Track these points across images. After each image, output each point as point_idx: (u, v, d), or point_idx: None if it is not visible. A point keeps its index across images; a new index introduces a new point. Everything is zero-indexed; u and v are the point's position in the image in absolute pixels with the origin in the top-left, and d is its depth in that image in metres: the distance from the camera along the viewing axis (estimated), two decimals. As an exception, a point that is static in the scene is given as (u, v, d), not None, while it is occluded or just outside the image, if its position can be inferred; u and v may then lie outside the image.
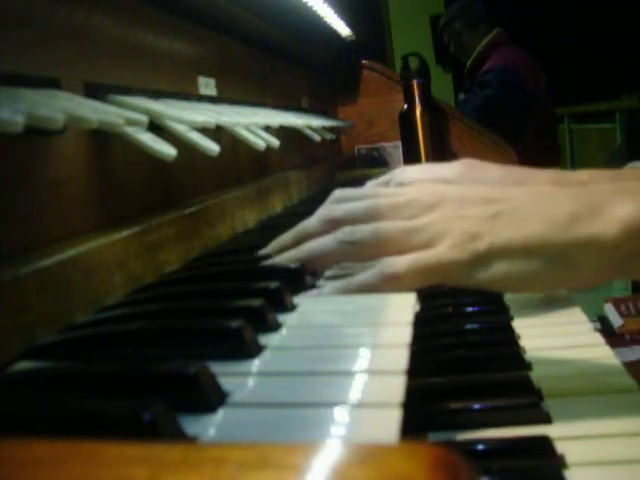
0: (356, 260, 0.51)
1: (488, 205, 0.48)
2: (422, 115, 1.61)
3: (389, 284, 0.46)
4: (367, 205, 0.52)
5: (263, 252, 0.56)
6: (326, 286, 0.49)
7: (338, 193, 0.55)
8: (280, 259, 0.53)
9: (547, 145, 2.55)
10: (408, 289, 0.45)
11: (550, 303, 0.57)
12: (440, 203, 0.49)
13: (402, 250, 0.47)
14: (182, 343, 0.36)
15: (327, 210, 0.53)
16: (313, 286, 0.51)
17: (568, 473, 0.35)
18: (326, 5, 1.20)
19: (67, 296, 0.43)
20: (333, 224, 0.52)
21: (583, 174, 0.54)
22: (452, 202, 0.49)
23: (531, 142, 2.35)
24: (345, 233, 0.50)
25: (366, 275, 0.47)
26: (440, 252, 0.46)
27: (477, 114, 2.14)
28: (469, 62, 2.64)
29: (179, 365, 0.29)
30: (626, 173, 0.50)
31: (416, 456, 0.20)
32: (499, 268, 0.45)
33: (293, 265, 0.50)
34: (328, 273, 0.55)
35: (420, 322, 0.45)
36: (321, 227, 0.52)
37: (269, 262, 0.53)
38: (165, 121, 0.59)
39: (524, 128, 2.38)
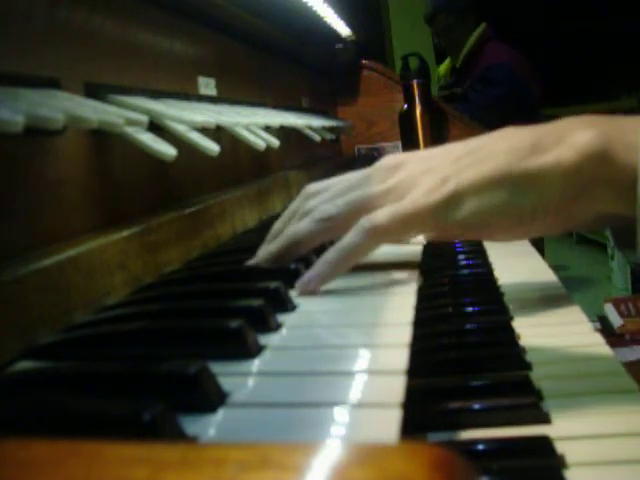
0: (337, 234, 0.51)
1: (451, 153, 0.50)
2: (422, 115, 1.62)
3: (373, 238, 0.47)
4: (336, 189, 0.53)
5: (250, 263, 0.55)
6: (314, 266, 0.48)
7: (308, 189, 0.55)
8: (262, 254, 0.53)
9: None
10: (391, 241, 0.48)
11: (550, 303, 0.58)
12: (404, 163, 0.52)
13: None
14: (182, 343, 0.36)
15: (297, 205, 0.54)
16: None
17: (568, 473, 0.35)
18: (326, 5, 1.20)
19: (67, 296, 0.43)
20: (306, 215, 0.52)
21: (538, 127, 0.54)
22: (416, 160, 0.51)
23: None
24: (320, 211, 0.51)
25: (350, 236, 0.48)
26: (413, 199, 0.47)
27: (481, 113, 2.07)
28: (461, 57, 2.55)
29: (179, 365, 0.29)
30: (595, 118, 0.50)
31: (416, 456, 0.20)
32: (470, 205, 0.47)
33: (293, 265, 0.50)
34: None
35: (420, 322, 0.45)
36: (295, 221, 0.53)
37: (251, 263, 0.53)
38: (165, 121, 0.59)
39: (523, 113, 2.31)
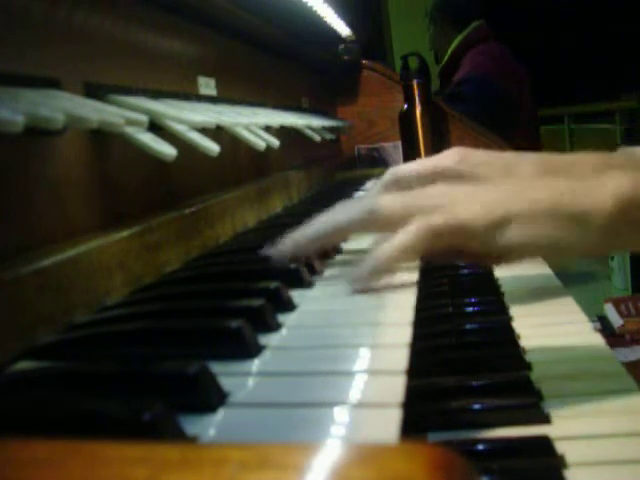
0: (385, 230, 0.51)
1: (506, 176, 0.52)
2: (422, 115, 1.61)
3: (424, 239, 0.48)
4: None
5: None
6: (364, 261, 0.49)
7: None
8: (304, 230, 0.53)
9: (530, 147, 2.44)
10: (435, 247, 0.48)
11: (550, 303, 0.58)
12: (472, 168, 0.53)
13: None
14: (182, 343, 0.36)
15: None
16: (312, 283, 0.51)
17: (568, 473, 0.35)
18: (326, 5, 1.20)
19: (67, 296, 0.43)
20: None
21: (570, 156, 0.55)
22: (475, 173, 0.53)
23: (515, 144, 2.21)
24: (374, 204, 0.51)
25: (400, 237, 0.48)
26: (462, 214, 0.49)
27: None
28: (440, 66, 2.47)
29: (179, 365, 0.29)
30: (616, 155, 0.52)
31: (416, 456, 0.20)
32: (516, 232, 0.48)
33: (293, 265, 0.50)
34: (328, 273, 0.55)
35: (420, 322, 0.45)
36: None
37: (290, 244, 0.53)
38: (165, 121, 0.59)
39: (510, 139, 2.23)
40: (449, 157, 0.54)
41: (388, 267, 0.48)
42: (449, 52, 2.44)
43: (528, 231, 0.48)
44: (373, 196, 0.54)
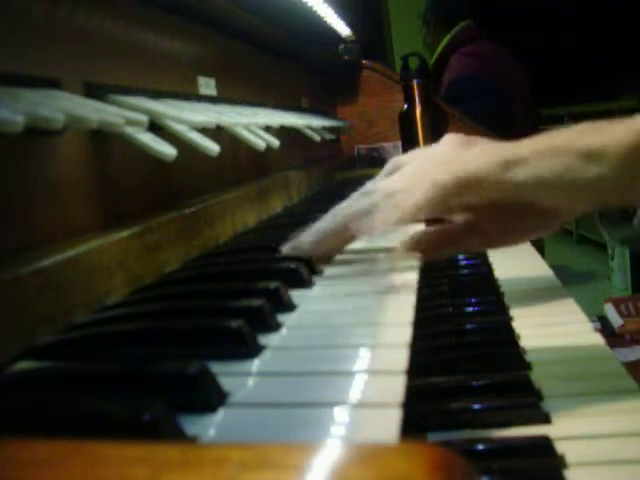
0: (400, 211, 0.51)
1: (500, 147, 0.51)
2: (422, 115, 1.61)
3: (437, 196, 0.48)
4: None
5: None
6: (381, 210, 0.49)
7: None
8: (317, 226, 0.54)
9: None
10: (451, 204, 0.49)
11: (550, 303, 0.58)
12: (472, 142, 0.53)
13: None
14: (182, 343, 0.36)
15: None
16: (312, 283, 0.51)
17: (568, 473, 0.35)
18: (326, 5, 1.20)
19: (67, 296, 0.43)
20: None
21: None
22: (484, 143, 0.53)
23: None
24: (388, 187, 0.52)
25: (415, 193, 0.49)
26: (470, 165, 0.49)
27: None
28: (432, 63, 2.43)
29: (179, 365, 0.29)
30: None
31: (416, 456, 0.20)
32: (527, 169, 0.48)
33: (293, 265, 0.50)
34: (328, 272, 0.55)
35: (420, 322, 0.45)
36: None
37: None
38: (165, 121, 0.59)
39: (508, 124, 2.15)
40: (450, 141, 0.54)
41: (396, 226, 0.49)
42: (437, 53, 2.42)
43: (538, 169, 0.47)
44: (374, 183, 0.54)
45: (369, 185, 0.55)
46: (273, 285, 0.44)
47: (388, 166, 0.57)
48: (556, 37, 4.58)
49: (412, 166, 0.53)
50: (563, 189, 0.48)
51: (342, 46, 1.63)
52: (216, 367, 0.31)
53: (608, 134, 0.46)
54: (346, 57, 1.66)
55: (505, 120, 2.21)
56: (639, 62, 3.91)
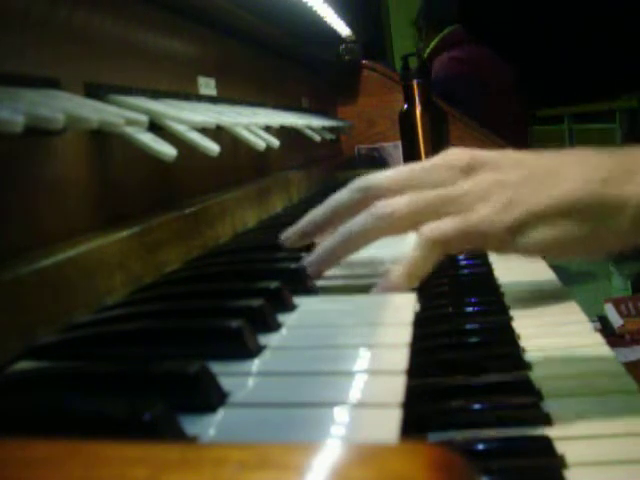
0: (393, 233, 0.50)
1: (524, 166, 0.48)
2: (422, 115, 1.61)
3: (435, 249, 0.46)
4: (397, 174, 0.51)
5: (293, 230, 0.55)
6: (385, 276, 0.48)
7: (363, 181, 0.53)
8: (318, 251, 0.52)
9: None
10: (452, 251, 0.47)
11: (550, 303, 0.57)
12: (477, 167, 0.49)
13: (438, 218, 0.47)
14: (182, 343, 0.36)
15: (357, 181, 0.53)
16: (313, 286, 0.51)
17: (568, 473, 0.35)
18: (326, 5, 1.20)
19: (67, 296, 0.43)
20: (364, 192, 0.51)
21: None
22: (489, 168, 0.49)
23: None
24: (378, 207, 0.48)
25: (414, 248, 0.47)
26: (482, 215, 0.46)
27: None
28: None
29: (179, 365, 0.29)
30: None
31: (416, 456, 0.20)
32: (543, 232, 0.45)
33: (293, 265, 0.50)
34: (329, 273, 0.55)
35: (420, 322, 0.45)
36: (352, 195, 0.52)
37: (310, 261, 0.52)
38: (165, 121, 0.59)
39: (498, 126, 2.09)
40: (456, 156, 0.51)
41: (406, 283, 0.47)
42: (424, 56, 2.43)
43: (552, 230, 0.44)
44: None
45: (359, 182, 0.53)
46: (273, 285, 0.44)
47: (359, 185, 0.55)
48: (556, 37, 4.57)
49: (418, 198, 0.49)
50: (575, 248, 0.46)
51: (342, 46, 1.63)
52: (216, 367, 0.31)
53: (634, 180, 0.44)
54: (346, 57, 1.66)
55: (494, 122, 2.22)
56: (639, 62, 3.91)
